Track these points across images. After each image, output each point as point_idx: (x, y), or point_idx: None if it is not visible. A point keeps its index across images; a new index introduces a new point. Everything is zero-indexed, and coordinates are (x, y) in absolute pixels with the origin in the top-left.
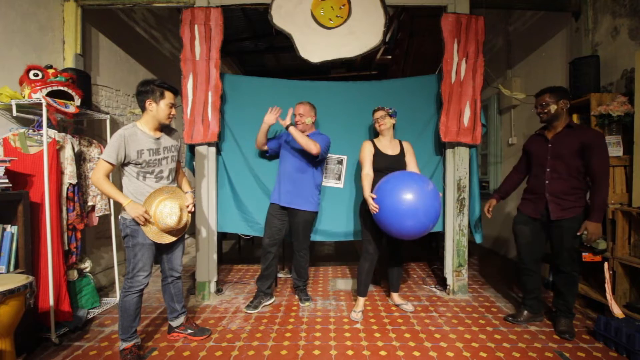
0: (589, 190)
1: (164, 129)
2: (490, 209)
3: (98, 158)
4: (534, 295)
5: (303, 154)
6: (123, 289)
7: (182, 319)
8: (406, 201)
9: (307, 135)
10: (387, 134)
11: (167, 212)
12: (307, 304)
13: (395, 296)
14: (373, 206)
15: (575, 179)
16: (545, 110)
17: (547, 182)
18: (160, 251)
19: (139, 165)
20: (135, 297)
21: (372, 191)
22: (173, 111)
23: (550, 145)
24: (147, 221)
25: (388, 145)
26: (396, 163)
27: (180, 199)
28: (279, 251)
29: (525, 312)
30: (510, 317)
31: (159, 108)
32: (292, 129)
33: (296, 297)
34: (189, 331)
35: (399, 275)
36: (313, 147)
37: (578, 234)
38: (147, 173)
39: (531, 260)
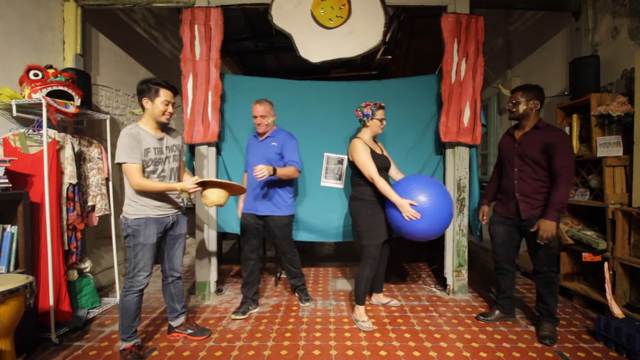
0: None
1: (166, 129)
2: (485, 216)
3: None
4: (506, 295)
5: (269, 159)
6: (123, 289)
7: (182, 319)
8: (444, 205)
9: (269, 135)
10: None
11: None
12: (307, 304)
13: (381, 296)
14: (413, 214)
15: (540, 179)
16: (514, 109)
17: (515, 182)
18: (161, 251)
19: (145, 164)
20: (136, 296)
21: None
22: (170, 109)
23: (517, 145)
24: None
25: (375, 145)
26: (387, 162)
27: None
28: (260, 255)
29: (497, 312)
30: (481, 315)
31: (154, 106)
32: (274, 171)
33: (296, 296)
34: (189, 331)
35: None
36: (295, 173)
37: (532, 230)
38: (150, 173)
39: (505, 260)
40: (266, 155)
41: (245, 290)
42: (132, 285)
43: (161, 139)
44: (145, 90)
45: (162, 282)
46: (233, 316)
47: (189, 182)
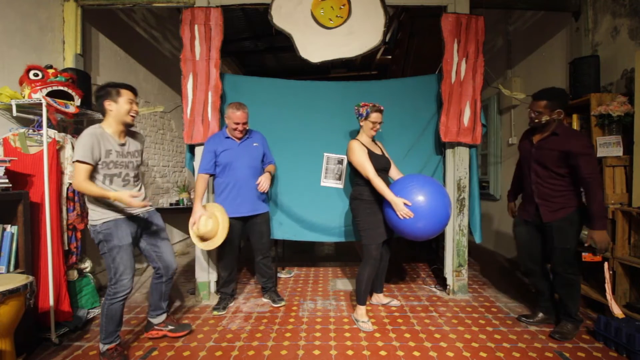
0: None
1: (129, 133)
2: (512, 212)
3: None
4: (546, 297)
5: (255, 160)
6: (107, 297)
7: (164, 317)
8: (440, 205)
9: (248, 137)
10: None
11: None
12: (282, 303)
13: (382, 296)
14: (407, 213)
15: (559, 182)
16: (536, 120)
17: (533, 186)
18: (149, 255)
19: (106, 166)
20: (121, 304)
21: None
22: (135, 107)
23: (534, 150)
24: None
25: (373, 145)
26: (386, 163)
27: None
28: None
29: (540, 314)
30: (523, 317)
31: (119, 106)
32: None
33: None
34: (170, 327)
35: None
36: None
37: (586, 245)
38: (114, 176)
39: (531, 262)
40: (252, 157)
41: (225, 288)
42: (117, 292)
43: (123, 145)
44: (105, 94)
45: (153, 280)
46: (215, 312)
47: (126, 193)
